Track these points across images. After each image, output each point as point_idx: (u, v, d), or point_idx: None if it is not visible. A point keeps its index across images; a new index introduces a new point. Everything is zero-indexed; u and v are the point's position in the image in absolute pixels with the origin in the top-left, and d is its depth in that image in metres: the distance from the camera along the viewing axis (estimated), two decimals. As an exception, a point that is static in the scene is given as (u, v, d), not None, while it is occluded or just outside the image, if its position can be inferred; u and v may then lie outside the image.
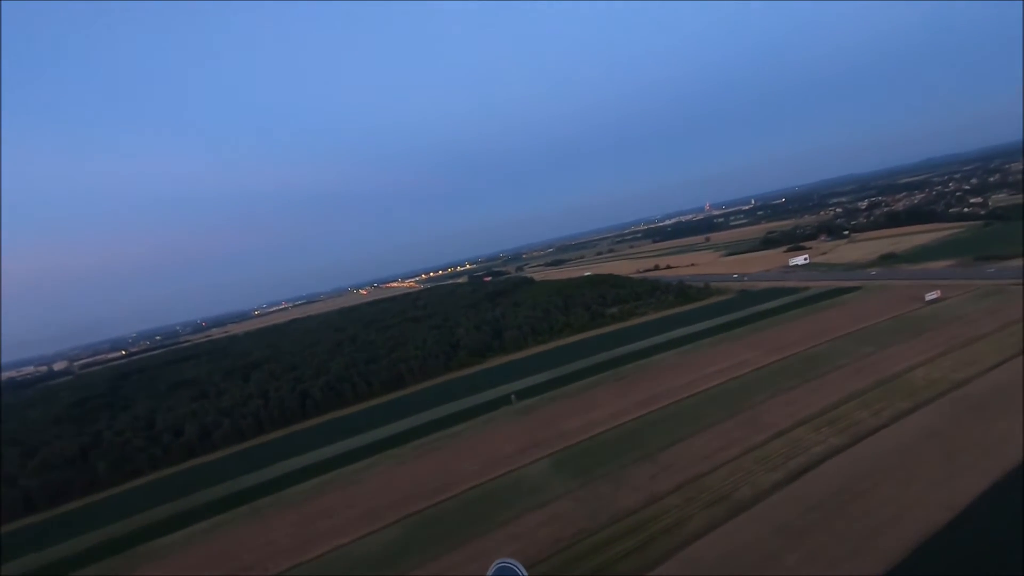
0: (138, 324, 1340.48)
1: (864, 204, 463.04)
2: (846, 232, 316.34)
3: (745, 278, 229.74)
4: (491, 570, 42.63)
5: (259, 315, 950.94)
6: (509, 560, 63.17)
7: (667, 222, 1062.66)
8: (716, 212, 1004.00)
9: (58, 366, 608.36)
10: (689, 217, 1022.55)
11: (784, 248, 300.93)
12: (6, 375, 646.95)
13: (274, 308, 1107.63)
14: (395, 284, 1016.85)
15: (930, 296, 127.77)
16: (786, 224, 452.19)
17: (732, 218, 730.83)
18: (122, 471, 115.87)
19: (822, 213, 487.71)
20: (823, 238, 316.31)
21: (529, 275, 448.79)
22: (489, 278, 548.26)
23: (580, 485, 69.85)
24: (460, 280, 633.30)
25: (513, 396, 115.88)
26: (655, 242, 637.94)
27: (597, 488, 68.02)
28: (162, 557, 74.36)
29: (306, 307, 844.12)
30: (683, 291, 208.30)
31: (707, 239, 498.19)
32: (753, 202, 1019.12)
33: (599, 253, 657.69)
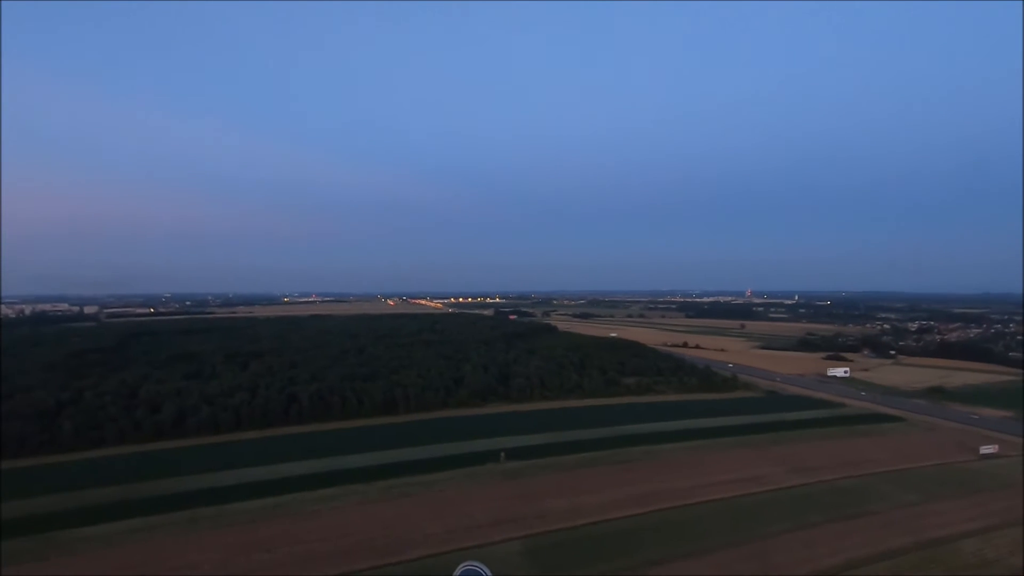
0: (174, 285, 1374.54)
1: (914, 326, 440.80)
2: (892, 352, 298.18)
3: (777, 378, 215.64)
4: (457, 571, 40.69)
5: (287, 303, 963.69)
6: (475, 563, 55.52)
7: (704, 299, 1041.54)
8: (757, 300, 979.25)
9: (88, 310, 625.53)
10: (728, 299, 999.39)
11: (823, 355, 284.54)
12: (40, 307, 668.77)
13: (302, 299, 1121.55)
14: (422, 301, 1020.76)
15: (986, 450, 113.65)
16: (828, 329, 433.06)
17: (772, 310, 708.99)
18: (86, 437, 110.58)
19: (868, 326, 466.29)
20: (866, 352, 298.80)
21: (554, 323, 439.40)
22: (514, 316, 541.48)
23: (547, 587, 60.06)
24: (485, 312, 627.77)
25: (503, 454, 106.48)
26: (688, 317, 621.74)
27: (566, 597, 58.15)
28: (72, 552, 67.03)
29: (332, 305, 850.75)
30: (708, 377, 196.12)
31: (742, 326, 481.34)
32: (796, 298, 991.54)
33: (629, 315, 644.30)
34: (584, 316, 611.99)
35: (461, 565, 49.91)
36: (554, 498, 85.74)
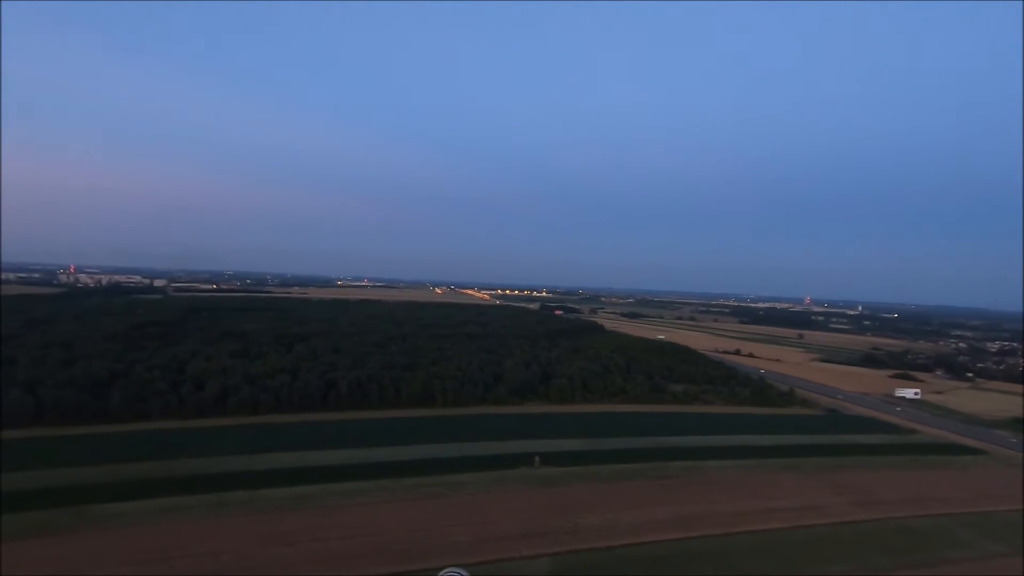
0: (238, 263, 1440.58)
1: (995, 346, 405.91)
2: (970, 374, 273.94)
3: (838, 395, 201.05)
4: None
5: (340, 286, 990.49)
6: (457, 568, 54.92)
7: (760, 304, 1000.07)
8: (816, 308, 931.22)
9: (158, 283, 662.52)
10: (785, 306, 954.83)
11: (890, 372, 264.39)
12: (116, 278, 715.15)
13: (355, 283, 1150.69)
14: (470, 291, 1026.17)
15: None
16: (895, 344, 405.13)
17: (833, 320, 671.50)
18: (132, 410, 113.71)
19: (941, 343, 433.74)
20: (939, 373, 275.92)
21: (600, 321, 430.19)
22: (560, 312, 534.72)
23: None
24: (531, 306, 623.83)
25: (537, 458, 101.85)
26: (742, 322, 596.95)
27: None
28: (103, 527, 67.40)
29: (382, 290, 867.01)
30: (762, 389, 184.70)
31: (800, 336, 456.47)
32: (860, 308, 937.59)
33: (679, 317, 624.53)
34: (632, 316, 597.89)
35: (443, 570, 49.24)
36: (588, 512, 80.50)
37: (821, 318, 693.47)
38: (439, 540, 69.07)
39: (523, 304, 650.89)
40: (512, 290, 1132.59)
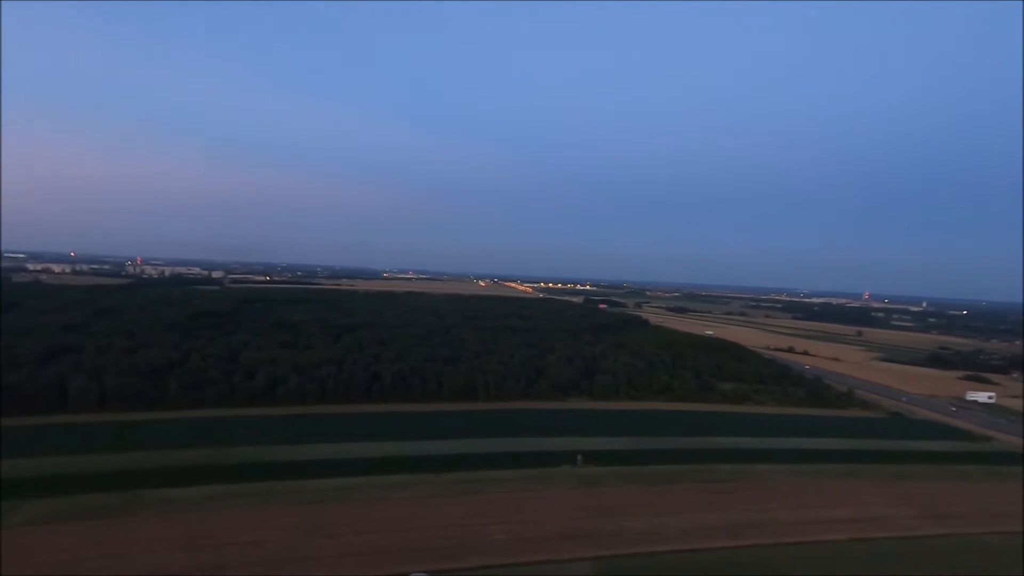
0: (290, 256, 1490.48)
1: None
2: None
3: (902, 398, 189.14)
4: None
5: (386, 277, 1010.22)
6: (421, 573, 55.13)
7: (814, 300, 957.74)
8: (876, 304, 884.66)
9: (216, 274, 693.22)
10: (842, 301, 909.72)
11: (960, 374, 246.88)
12: (177, 269, 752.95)
13: (400, 275, 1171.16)
14: (513, 284, 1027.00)
15: None
16: (965, 344, 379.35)
17: (895, 316, 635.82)
18: (188, 397, 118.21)
19: (1017, 343, 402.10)
20: (1016, 376, 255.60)
21: (645, 316, 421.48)
22: (604, 306, 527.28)
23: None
24: (575, 299, 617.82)
25: (580, 457, 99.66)
26: (795, 319, 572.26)
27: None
28: (156, 512, 69.85)
29: (427, 283, 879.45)
30: (818, 390, 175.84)
31: (859, 333, 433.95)
32: (924, 304, 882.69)
33: (728, 313, 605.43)
34: (678, 310, 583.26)
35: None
36: (632, 515, 77.83)
37: (881, 314, 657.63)
38: (479, 538, 68.12)
39: (566, 297, 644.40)
40: (555, 283, 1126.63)
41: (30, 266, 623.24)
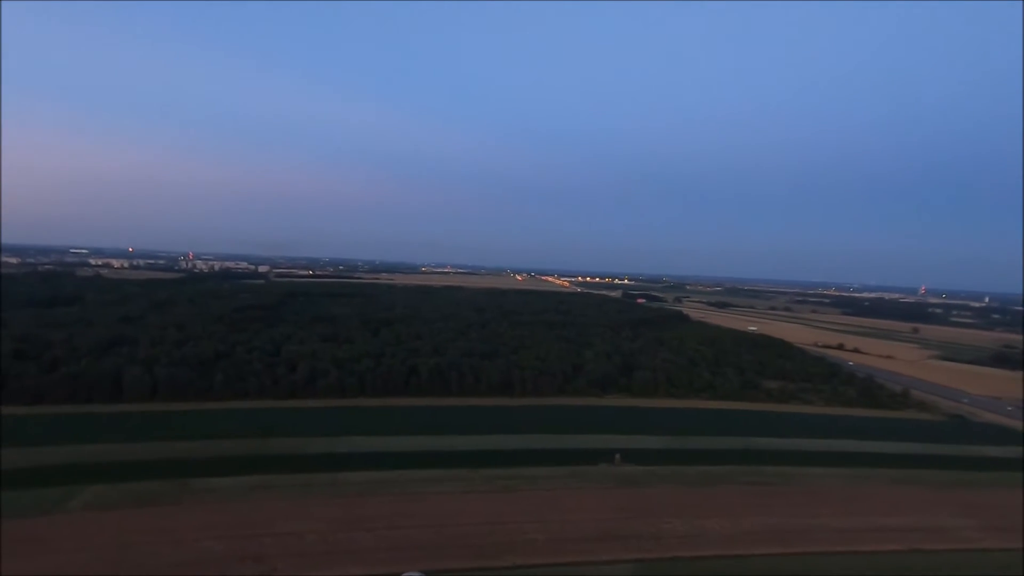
0: (332, 251, 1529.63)
1: None
2: None
3: (964, 399, 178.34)
4: None
5: (424, 272, 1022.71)
6: (417, 574, 54.73)
7: (865, 294, 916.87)
8: (933, 299, 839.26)
9: (262, 269, 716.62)
10: (895, 296, 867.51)
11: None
12: (225, 263, 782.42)
13: (438, 269, 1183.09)
14: (550, 278, 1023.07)
15: None
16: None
17: (954, 312, 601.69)
18: (233, 388, 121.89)
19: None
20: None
21: (686, 311, 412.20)
22: (643, 300, 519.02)
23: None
24: (613, 294, 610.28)
25: (618, 456, 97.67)
26: (844, 314, 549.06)
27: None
28: (202, 500, 72.01)
29: (464, 277, 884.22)
30: (871, 389, 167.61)
31: (915, 330, 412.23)
32: (987, 300, 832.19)
33: (772, 308, 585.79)
34: (720, 305, 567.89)
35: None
36: (673, 517, 75.57)
37: (939, 310, 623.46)
38: (515, 536, 67.35)
39: (604, 292, 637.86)
40: (593, 277, 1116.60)
41: (92, 261, 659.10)
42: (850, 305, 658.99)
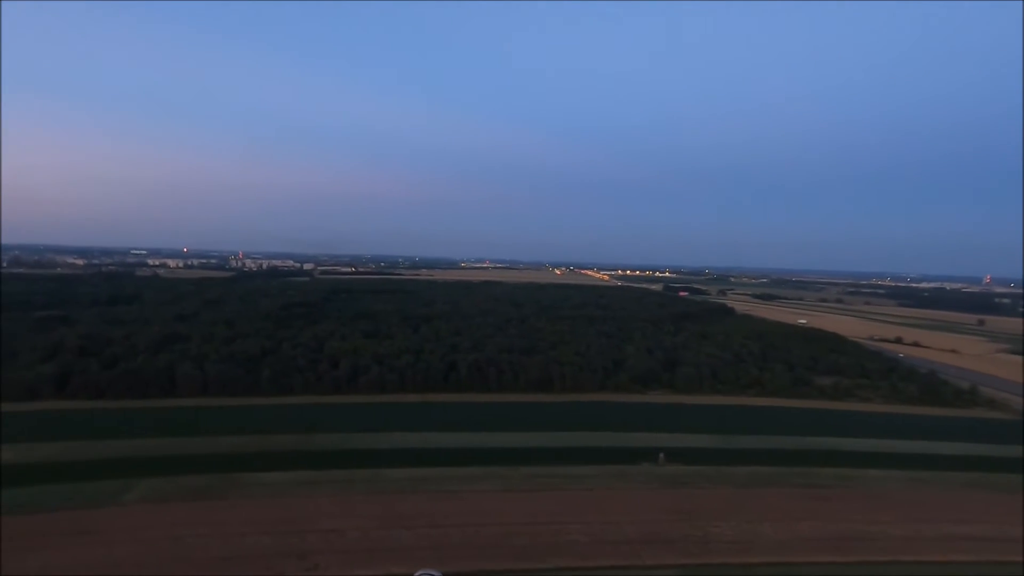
0: (374, 248, 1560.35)
1: None
2: None
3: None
4: None
5: (463, 267, 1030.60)
6: (431, 571, 54.12)
7: (924, 285, 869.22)
8: (1000, 289, 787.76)
9: (307, 267, 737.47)
10: (958, 286, 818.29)
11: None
12: (272, 262, 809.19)
13: (477, 264, 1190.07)
14: (589, 272, 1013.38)
15: None
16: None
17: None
18: (278, 384, 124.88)
19: None
20: None
21: (730, 304, 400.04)
22: (685, 293, 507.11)
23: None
24: (653, 287, 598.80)
25: (662, 455, 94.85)
26: (902, 306, 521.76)
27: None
28: (249, 495, 73.65)
29: (503, 272, 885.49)
30: (933, 386, 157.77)
31: (980, 322, 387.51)
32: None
33: (823, 300, 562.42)
34: (766, 298, 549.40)
35: (418, 572, 50.94)
36: (721, 520, 72.56)
37: (1007, 301, 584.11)
38: (557, 537, 65.98)
39: (644, 285, 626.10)
40: (633, 270, 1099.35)
41: (150, 261, 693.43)
42: (908, 296, 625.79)
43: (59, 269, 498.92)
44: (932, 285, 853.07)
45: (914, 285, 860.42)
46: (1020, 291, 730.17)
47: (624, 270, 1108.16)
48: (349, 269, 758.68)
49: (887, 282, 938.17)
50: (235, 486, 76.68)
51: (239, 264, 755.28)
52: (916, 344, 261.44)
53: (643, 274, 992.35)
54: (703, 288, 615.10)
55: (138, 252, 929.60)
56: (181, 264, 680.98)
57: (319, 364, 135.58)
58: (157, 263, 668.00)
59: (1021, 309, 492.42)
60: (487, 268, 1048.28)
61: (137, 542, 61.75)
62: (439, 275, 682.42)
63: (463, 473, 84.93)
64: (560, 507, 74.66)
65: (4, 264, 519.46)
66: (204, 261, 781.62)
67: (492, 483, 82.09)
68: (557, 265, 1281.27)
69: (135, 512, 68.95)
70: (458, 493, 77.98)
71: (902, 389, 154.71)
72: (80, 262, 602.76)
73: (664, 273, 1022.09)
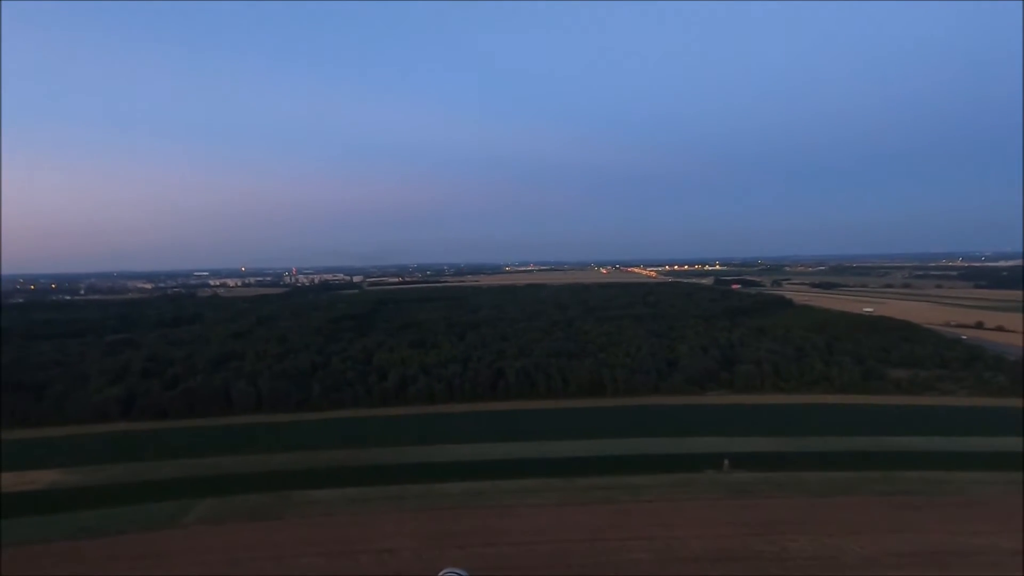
0: (420, 256, 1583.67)
1: None
2: None
3: None
4: None
5: (508, 271, 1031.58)
6: (457, 569, 46.86)
7: (1002, 263, 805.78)
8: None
9: (356, 279, 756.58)
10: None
11: None
12: (323, 276, 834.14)
13: (521, 268, 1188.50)
14: (635, 269, 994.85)
15: None
16: None
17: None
18: (329, 399, 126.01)
19: None
20: None
21: (787, 295, 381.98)
22: (738, 286, 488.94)
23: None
24: (704, 281, 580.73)
25: (727, 461, 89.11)
26: (978, 287, 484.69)
27: None
28: (303, 514, 73.25)
29: (547, 274, 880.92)
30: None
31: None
32: None
33: (888, 285, 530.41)
34: (826, 286, 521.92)
35: (443, 571, 43.49)
36: (797, 533, 66.62)
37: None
38: (619, 556, 62.00)
39: (694, 279, 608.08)
40: (681, 265, 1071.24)
41: (211, 282, 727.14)
42: (984, 276, 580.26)
43: (129, 294, 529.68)
44: (1010, 263, 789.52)
45: (990, 264, 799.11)
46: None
47: (672, 265, 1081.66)
48: (396, 279, 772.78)
49: (959, 262, 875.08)
50: (289, 504, 76.56)
51: (292, 280, 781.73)
52: (1000, 328, 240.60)
53: (692, 268, 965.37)
54: (757, 279, 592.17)
55: (200, 273, 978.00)
56: (239, 283, 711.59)
57: (368, 376, 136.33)
58: (217, 283, 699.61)
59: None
60: (531, 271, 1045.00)
61: (197, 565, 61.89)
62: (484, 280, 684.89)
63: (516, 486, 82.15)
64: (621, 521, 70.58)
65: (82, 292, 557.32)
66: (260, 279, 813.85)
67: (547, 496, 78.85)
68: (603, 264, 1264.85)
69: (194, 534, 69.57)
70: (512, 508, 75.10)
71: (989, 380, 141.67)
72: (148, 286, 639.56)
73: (714, 266, 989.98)
